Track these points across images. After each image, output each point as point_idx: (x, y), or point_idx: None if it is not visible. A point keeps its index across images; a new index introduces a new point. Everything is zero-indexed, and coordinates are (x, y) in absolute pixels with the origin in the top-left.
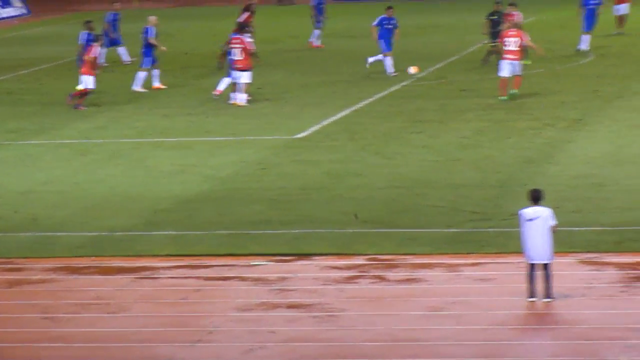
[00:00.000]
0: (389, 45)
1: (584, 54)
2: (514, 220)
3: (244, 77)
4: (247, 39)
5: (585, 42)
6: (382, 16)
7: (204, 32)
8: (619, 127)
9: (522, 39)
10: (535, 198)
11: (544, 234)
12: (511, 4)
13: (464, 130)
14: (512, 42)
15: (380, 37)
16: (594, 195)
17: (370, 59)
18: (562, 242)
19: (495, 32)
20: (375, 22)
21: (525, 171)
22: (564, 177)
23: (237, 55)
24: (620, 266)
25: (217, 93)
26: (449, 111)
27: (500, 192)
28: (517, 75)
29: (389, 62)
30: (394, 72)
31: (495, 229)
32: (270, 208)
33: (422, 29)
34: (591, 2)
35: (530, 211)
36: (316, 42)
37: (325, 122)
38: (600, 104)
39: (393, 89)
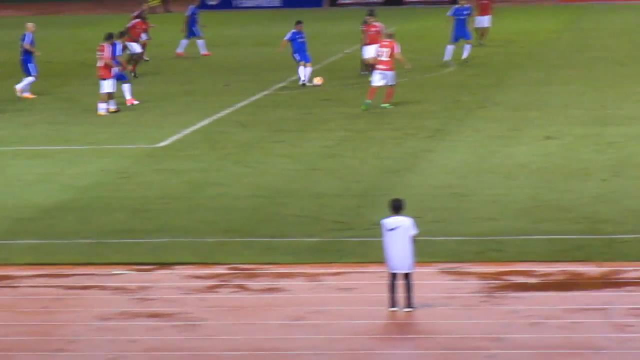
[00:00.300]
0: (306, 57)
1: (446, 64)
2: (376, 230)
3: (104, 86)
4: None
5: (448, 54)
6: (293, 31)
7: (65, 41)
8: (480, 137)
9: (393, 50)
10: (396, 208)
11: (404, 244)
12: (370, 14)
13: (326, 139)
14: (384, 52)
15: (296, 50)
16: (455, 205)
17: (304, 79)
18: (424, 252)
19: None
20: (287, 37)
21: (387, 181)
22: (425, 186)
23: (99, 63)
24: (481, 276)
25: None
26: (310, 121)
27: (362, 202)
28: (389, 85)
29: (308, 71)
30: (305, 81)
31: (356, 239)
32: (131, 217)
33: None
34: (463, 12)
35: (391, 221)
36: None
37: (186, 132)
38: (462, 113)
39: (255, 98)
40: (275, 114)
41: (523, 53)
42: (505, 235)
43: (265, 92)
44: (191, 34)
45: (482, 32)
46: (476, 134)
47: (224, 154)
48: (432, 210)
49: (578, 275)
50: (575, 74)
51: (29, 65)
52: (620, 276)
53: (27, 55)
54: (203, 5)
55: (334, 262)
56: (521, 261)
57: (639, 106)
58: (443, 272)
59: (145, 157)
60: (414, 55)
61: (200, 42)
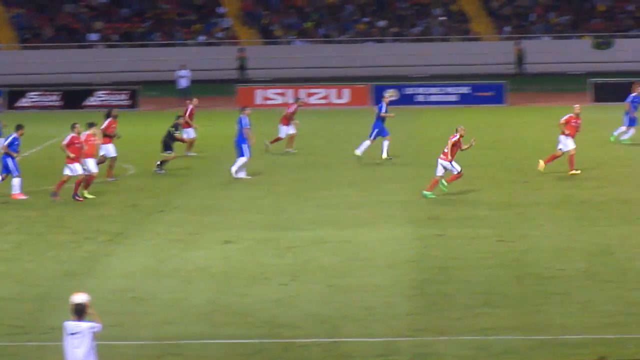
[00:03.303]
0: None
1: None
2: (55, 334)
3: None
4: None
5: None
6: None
7: None
8: (160, 240)
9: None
10: (78, 312)
11: (85, 348)
12: (90, 125)
13: (3, 243)
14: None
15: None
16: (134, 309)
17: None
18: (102, 356)
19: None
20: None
21: (65, 284)
22: (103, 290)
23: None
24: None
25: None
26: None
27: (40, 306)
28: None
29: None
30: None
31: (34, 343)
32: None
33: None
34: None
35: (72, 325)
36: None
37: None
38: (141, 217)
39: None
40: None
41: (203, 157)
42: (185, 339)
43: None
44: None
45: (190, 142)
46: (155, 238)
47: None
48: (110, 314)
49: None
50: (254, 179)
51: None
52: None
53: None
54: None
55: None
56: None
57: (317, 211)
58: None
59: None
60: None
61: None
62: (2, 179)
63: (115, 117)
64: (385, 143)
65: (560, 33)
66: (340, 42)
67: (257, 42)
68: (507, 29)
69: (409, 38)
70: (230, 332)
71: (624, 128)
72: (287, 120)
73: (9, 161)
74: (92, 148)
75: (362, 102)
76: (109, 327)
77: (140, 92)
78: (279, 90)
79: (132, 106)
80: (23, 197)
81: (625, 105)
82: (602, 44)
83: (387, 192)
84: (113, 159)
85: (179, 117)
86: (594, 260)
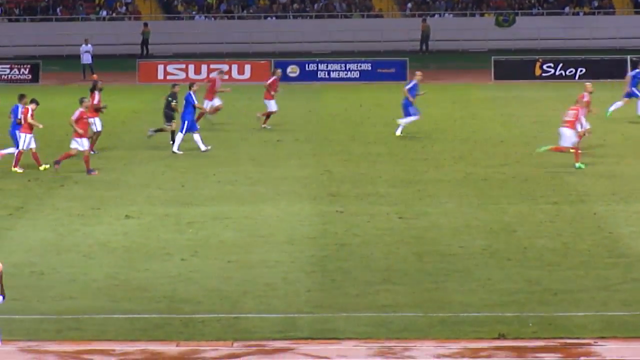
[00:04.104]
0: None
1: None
2: None
3: None
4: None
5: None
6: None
7: None
8: (61, 215)
9: None
10: None
11: None
12: (81, 100)
13: None
14: None
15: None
16: (34, 284)
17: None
18: (3, 330)
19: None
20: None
21: None
22: (4, 264)
23: None
24: (60, 354)
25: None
26: None
27: None
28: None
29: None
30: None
31: None
32: None
33: None
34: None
35: None
36: None
37: None
38: (41, 191)
39: None
40: None
41: (104, 132)
42: (84, 314)
43: None
44: None
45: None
46: (56, 212)
47: None
48: (10, 288)
49: (157, 354)
50: (155, 154)
51: None
52: (199, 355)
53: None
54: None
55: None
56: (100, 340)
57: (217, 187)
58: (22, 350)
59: None
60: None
61: None
62: None
63: (100, 90)
64: (409, 120)
65: (463, 10)
66: (242, 17)
67: (159, 17)
68: (410, 6)
69: (311, 14)
70: (130, 307)
71: (620, 103)
72: (212, 94)
73: None
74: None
75: (264, 78)
76: (10, 300)
77: (41, 66)
78: (181, 66)
79: (33, 80)
80: None
81: (627, 78)
82: (504, 22)
83: (288, 169)
84: (98, 133)
85: (174, 85)
86: (494, 238)
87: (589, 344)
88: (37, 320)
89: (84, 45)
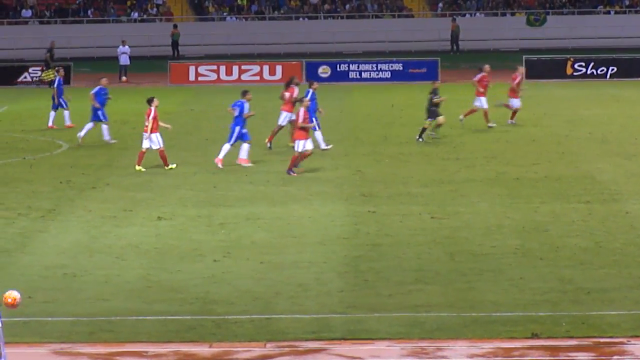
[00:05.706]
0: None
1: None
2: None
3: None
4: None
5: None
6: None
7: None
8: (92, 217)
9: None
10: None
11: None
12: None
13: None
14: None
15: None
16: (67, 286)
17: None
18: (35, 332)
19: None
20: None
21: None
22: (36, 267)
23: None
24: (93, 356)
25: None
26: None
27: None
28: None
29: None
30: None
31: None
32: None
33: None
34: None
35: None
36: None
37: None
38: (74, 194)
39: None
40: None
41: (135, 133)
42: (117, 316)
43: None
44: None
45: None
46: (88, 214)
47: None
48: (43, 290)
49: (190, 355)
50: (187, 155)
51: None
52: (231, 357)
53: None
54: None
55: None
56: (132, 342)
57: (248, 188)
58: (55, 352)
59: None
60: (26, 136)
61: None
62: None
63: (297, 84)
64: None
65: (494, 10)
66: (273, 18)
67: (190, 19)
68: (441, 5)
69: (342, 14)
70: (162, 309)
71: None
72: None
73: None
74: None
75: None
76: (41, 303)
77: (72, 68)
78: (212, 67)
79: (64, 82)
80: None
81: None
82: (535, 21)
83: (320, 169)
84: (280, 127)
85: (433, 82)
86: (526, 238)
87: (622, 343)
88: (69, 322)
89: (121, 47)
